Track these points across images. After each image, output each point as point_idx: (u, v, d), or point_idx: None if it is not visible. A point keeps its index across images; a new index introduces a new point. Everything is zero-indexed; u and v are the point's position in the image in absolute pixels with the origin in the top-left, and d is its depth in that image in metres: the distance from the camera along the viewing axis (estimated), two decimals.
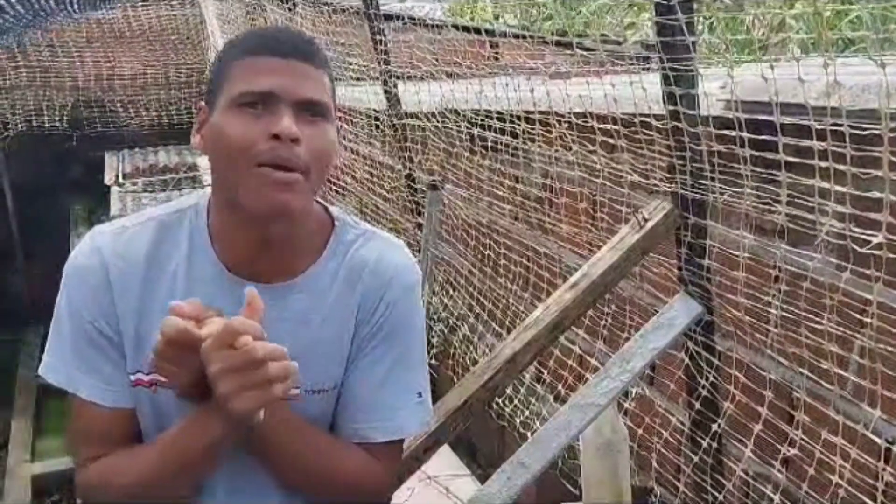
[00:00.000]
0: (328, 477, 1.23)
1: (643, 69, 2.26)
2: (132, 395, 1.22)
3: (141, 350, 1.20)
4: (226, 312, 1.17)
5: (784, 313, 1.77)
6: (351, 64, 4.45)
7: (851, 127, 1.43)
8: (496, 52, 3.46)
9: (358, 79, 4.43)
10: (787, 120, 1.59)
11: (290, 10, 5.25)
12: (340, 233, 1.28)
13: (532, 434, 2.04)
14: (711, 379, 1.99)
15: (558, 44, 3.08)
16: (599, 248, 2.05)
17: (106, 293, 1.19)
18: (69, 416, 1.26)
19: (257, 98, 1.11)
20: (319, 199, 1.29)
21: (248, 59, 1.14)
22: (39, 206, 7.61)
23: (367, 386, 1.26)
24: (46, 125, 8.00)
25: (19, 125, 7.95)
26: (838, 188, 1.51)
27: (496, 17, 4.88)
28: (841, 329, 1.62)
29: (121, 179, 7.40)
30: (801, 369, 1.74)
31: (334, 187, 5.14)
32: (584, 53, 2.61)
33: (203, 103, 1.20)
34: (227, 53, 1.19)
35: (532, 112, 2.74)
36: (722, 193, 1.86)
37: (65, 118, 8.09)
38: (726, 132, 1.75)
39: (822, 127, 1.49)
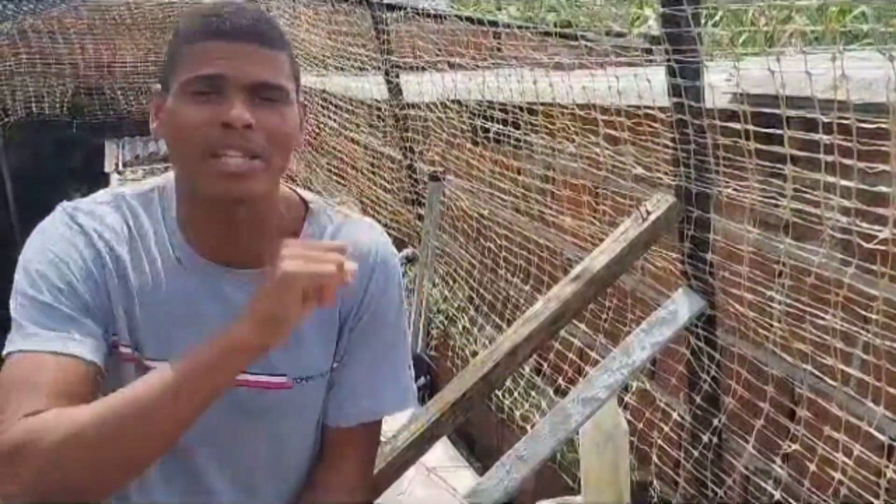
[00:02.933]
0: None
1: (647, 61, 2.25)
2: (105, 356, 1.12)
3: (128, 327, 1.16)
4: (201, 299, 1.17)
5: (787, 308, 1.76)
6: (353, 53, 4.43)
7: (858, 121, 1.42)
8: (499, 43, 3.45)
9: (360, 69, 4.42)
10: (793, 113, 1.58)
11: None
12: (315, 216, 1.25)
13: (531, 427, 2.03)
14: (713, 373, 1.98)
15: (562, 35, 3.06)
16: (601, 240, 2.04)
17: (88, 246, 1.14)
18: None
19: (206, 85, 1.07)
20: (291, 186, 1.27)
21: (196, 44, 1.09)
22: (39, 193, 7.57)
23: (360, 369, 1.26)
24: (47, 112, 7.98)
25: (19, 112, 7.94)
26: (844, 182, 1.49)
27: (499, 9, 4.86)
28: (845, 325, 1.61)
29: (121, 167, 7.39)
30: (803, 365, 1.73)
31: (335, 177, 5.12)
32: (589, 44, 2.59)
33: (158, 86, 1.16)
34: (177, 36, 1.14)
35: (535, 103, 2.72)
36: (726, 187, 1.85)
37: (65, 105, 8.07)
38: (731, 125, 1.73)
39: (829, 120, 1.48)
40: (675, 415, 2.23)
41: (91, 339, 1.09)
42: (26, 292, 1.10)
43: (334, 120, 4.90)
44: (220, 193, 1.09)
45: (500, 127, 2.95)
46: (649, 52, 2.88)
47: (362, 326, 1.25)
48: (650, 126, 2.05)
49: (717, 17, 3.03)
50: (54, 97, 8.02)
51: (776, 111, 1.60)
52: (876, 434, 1.55)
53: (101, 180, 7.26)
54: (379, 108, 4.44)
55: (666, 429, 2.24)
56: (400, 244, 4.24)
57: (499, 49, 3.35)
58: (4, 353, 1.08)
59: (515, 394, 2.95)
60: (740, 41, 2.63)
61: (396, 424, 1.69)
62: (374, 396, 1.27)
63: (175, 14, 8.29)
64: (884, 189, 1.42)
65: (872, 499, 1.57)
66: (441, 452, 3.07)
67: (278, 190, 1.20)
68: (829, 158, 1.50)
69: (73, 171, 8.00)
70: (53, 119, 7.99)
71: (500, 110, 2.95)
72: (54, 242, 1.14)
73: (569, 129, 2.50)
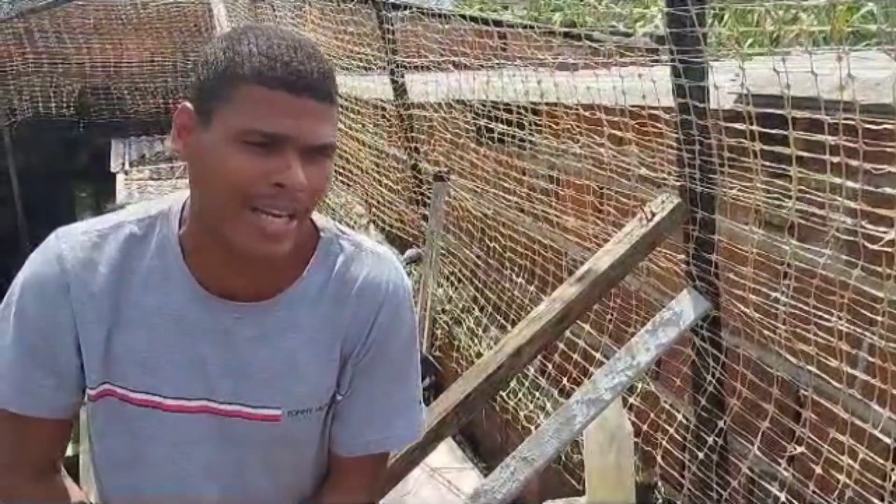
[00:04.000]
0: None
1: (652, 62, 2.24)
2: (68, 409, 1.17)
3: (112, 360, 1.13)
4: (197, 330, 1.13)
5: (792, 310, 1.75)
6: (358, 53, 4.43)
7: (864, 122, 1.41)
8: (504, 43, 3.44)
9: (366, 68, 4.42)
10: (799, 114, 1.57)
11: None
12: (325, 245, 1.19)
13: (536, 428, 2.03)
14: (717, 375, 1.97)
15: (567, 35, 3.06)
16: (606, 241, 2.03)
17: (64, 304, 1.12)
18: None
19: (266, 139, 1.01)
20: None
21: (260, 91, 1.01)
22: (46, 192, 7.62)
23: (365, 403, 1.23)
24: (53, 112, 8.01)
25: (26, 111, 7.97)
26: (850, 184, 1.49)
27: (505, 8, 4.86)
28: (850, 326, 1.60)
29: (127, 167, 7.42)
30: (808, 366, 1.73)
31: (340, 178, 5.12)
32: (593, 44, 2.58)
33: (189, 105, 1.06)
34: (232, 65, 1.02)
35: (539, 103, 2.72)
36: (731, 187, 1.84)
37: (72, 105, 8.10)
38: (736, 125, 1.73)
39: (835, 121, 1.47)
40: (679, 416, 2.23)
41: (56, 400, 1.15)
42: None
43: (339, 120, 4.90)
44: (249, 249, 1.04)
45: (505, 127, 2.95)
46: (654, 52, 2.88)
47: (368, 361, 1.21)
48: (655, 126, 2.05)
49: (724, 18, 3.03)
50: (61, 97, 8.06)
51: (781, 112, 1.59)
52: (881, 437, 1.54)
53: (107, 180, 7.29)
54: (384, 108, 4.44)
55: (670, 430, 2.23)
56: (405, 244, 4.23)
57: (503, 49, 3.35)
58: None
59: (520, 395, 2.95)
60: (746, 41, 2.63)
61: None
62: (378, 431, 1.24)
63: (183, 14, 8.31)
64: (889, 191, 1.41)
65: (878, 501, 1.57)
66: (446, 453, 3.06)
67: None
68: (835, 159, 1.49)
69: (80, 170, 8.04)
70: (60, 119, 8.02)
71: (504, 110, 2.94)
72: (30, 286, 1.13)
73: (573, 129, 2.50)
